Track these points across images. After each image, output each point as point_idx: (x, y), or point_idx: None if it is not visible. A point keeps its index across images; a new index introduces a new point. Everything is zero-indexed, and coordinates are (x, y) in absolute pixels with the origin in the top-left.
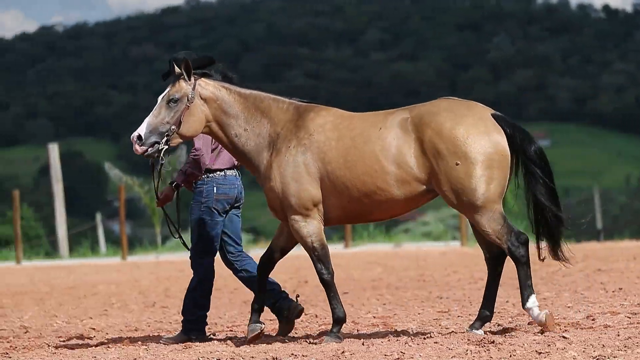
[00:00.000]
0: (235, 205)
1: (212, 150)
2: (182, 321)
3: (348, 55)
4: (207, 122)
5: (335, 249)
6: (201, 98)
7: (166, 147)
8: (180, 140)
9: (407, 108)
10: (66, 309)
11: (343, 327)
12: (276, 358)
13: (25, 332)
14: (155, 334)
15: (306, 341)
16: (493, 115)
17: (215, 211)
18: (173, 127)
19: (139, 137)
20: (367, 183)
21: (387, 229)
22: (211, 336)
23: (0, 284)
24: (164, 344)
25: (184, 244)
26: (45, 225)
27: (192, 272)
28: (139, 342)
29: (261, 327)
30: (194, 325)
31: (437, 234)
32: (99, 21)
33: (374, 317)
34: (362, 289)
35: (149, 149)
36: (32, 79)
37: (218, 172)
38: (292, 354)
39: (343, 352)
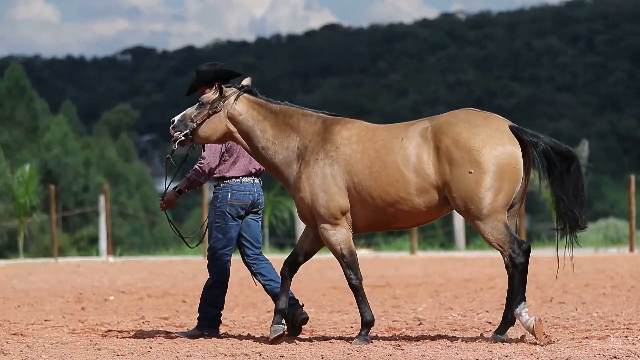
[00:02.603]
0: (253, 210)
1: (224, 160)
2: (197, 318)
3: None
4: (227, 133)
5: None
6: (227, 111)
7: (182, 138)
8: (202, 141)
9: (428, 118)
10: (462, 302)
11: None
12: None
13: (419, 324)
14: (553, 330)
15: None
16: (511, 127)
17: (230, 216)
18: (194, 125)
19: (173, 121)
20: (390, 193)
21: None
22: (225, 334)
23: (395, 275)
24: (178, 336)
25: (185, 242)
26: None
27: (208, 273)
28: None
29: (283, 329)
30: (207, 322)
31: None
32: (502, 11)
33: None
34: None
35: (175, 134)
36: (432, 66)
37: (234, 179)
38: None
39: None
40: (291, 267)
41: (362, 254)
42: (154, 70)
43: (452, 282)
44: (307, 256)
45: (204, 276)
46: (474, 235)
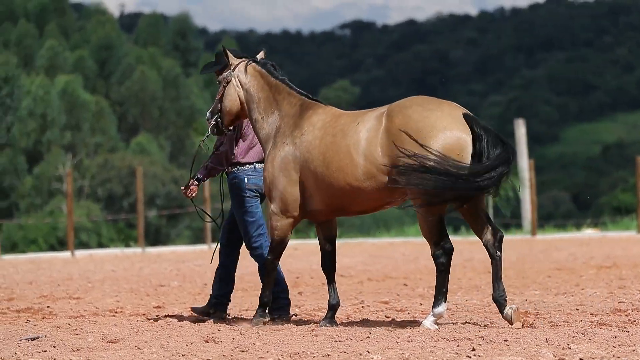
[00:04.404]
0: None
1: (238, 146)
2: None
3: None
4: (242, 102)
5: None
6: (238, 80)
7: (214, 122)
8: (227, 118)
9: (390, 104)
10: None
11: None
12: None
13: None
14: None
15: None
16: (464, 115)
17: (250, 198)
18: (218, 106)
19: (207, 113)
20: (339, 179)
21: None
22: (294, 315)
23: (622, 255)
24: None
25: (217, 223)
26: None
27: (254, 260)
28: None
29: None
30: (273, 304)
31: None
32: None
33: None
34: None
35: (211, 123)
36: None
37: (248, 165)
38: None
39: None
40: (327, 260)
41: (588, 233)
42: (374, 45)
43: None
44: (332, 241)
45: (425, 259)
46: None
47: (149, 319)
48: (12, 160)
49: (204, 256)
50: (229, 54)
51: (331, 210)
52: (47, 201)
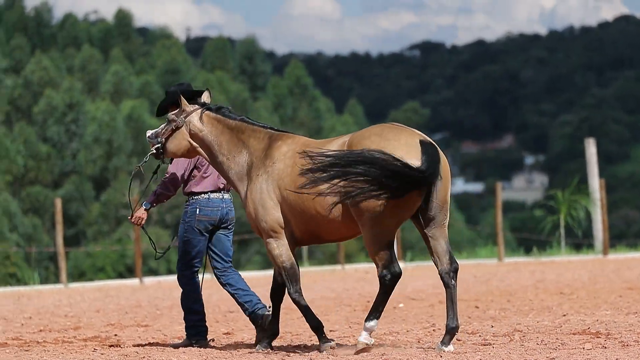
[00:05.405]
0: (222, 225)
1: (194, 176)
2: (184, 328)
3: None
4: (190, 148)
5: None
6: (189, 128)
7: (154, 152)
8: (170, 155)
9: (352, 133)
10: None
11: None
12: None
13: None
14: None
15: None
16: (421, 142)
17: (197, 230)
18: (162, 141)
19: (146, 135)
20: (310, 207)
21: None
22: (211, 340)
23: None
24: (173, 347)
25: (157, 251)
26: None
27: (179, 284)
28: None
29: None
30: (193, 330)
31: None
32: None
33: None
34: None
35: (151, 150)
36: None
37: (202, 195)
38: None
39: None
40: (276, 291)
41: None
42: (443, 66)
43: None
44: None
45: (497, 280)
46: None
47: (219, 348)
48: (79, 187)
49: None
50: (183, 101)
51: (308, 236)
52: (114, 228)
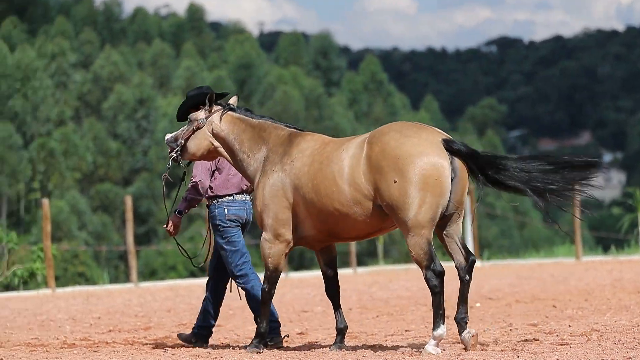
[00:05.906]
0: (245, 226)
1: (215, 178)
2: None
3: None
4: (212, 149)
5: None
6: (212, 128)
7: (174, 155)
8: (189, 156)
9: (372, 131)
10: None
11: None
12: None
13: None
14: None
15: None
16: (444, 140)
17: (232, 228)
18: (182, 142)
19: (165, 139)
20: (327, 205)
21: None
22: (286, 337)
23: None
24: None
25: (191, 261)
26: None
27: (241, 288)
28: None
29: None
30: (272, 332)
31: None
32: None
33: None
34: None
35: (169, 154)
36: None
37: (227, 197)
38: None
39: None
40: (330, 285)
41: None
42: (520, 62)
43: None
44: (333, 266)
45: (575, 279)
46: None
47: (293, 348)
48: (150, 184)
49: (348, 281)
50: (209, 101)
51: (324, 235)
52: (186, 226)
